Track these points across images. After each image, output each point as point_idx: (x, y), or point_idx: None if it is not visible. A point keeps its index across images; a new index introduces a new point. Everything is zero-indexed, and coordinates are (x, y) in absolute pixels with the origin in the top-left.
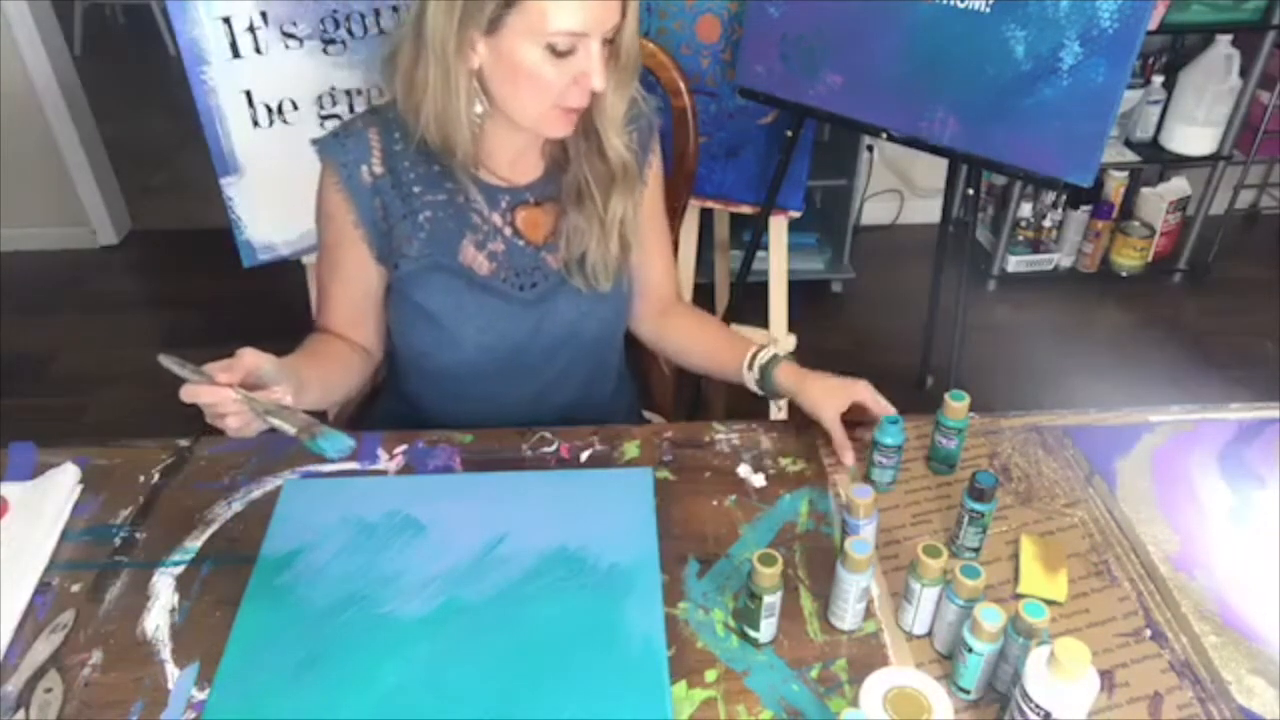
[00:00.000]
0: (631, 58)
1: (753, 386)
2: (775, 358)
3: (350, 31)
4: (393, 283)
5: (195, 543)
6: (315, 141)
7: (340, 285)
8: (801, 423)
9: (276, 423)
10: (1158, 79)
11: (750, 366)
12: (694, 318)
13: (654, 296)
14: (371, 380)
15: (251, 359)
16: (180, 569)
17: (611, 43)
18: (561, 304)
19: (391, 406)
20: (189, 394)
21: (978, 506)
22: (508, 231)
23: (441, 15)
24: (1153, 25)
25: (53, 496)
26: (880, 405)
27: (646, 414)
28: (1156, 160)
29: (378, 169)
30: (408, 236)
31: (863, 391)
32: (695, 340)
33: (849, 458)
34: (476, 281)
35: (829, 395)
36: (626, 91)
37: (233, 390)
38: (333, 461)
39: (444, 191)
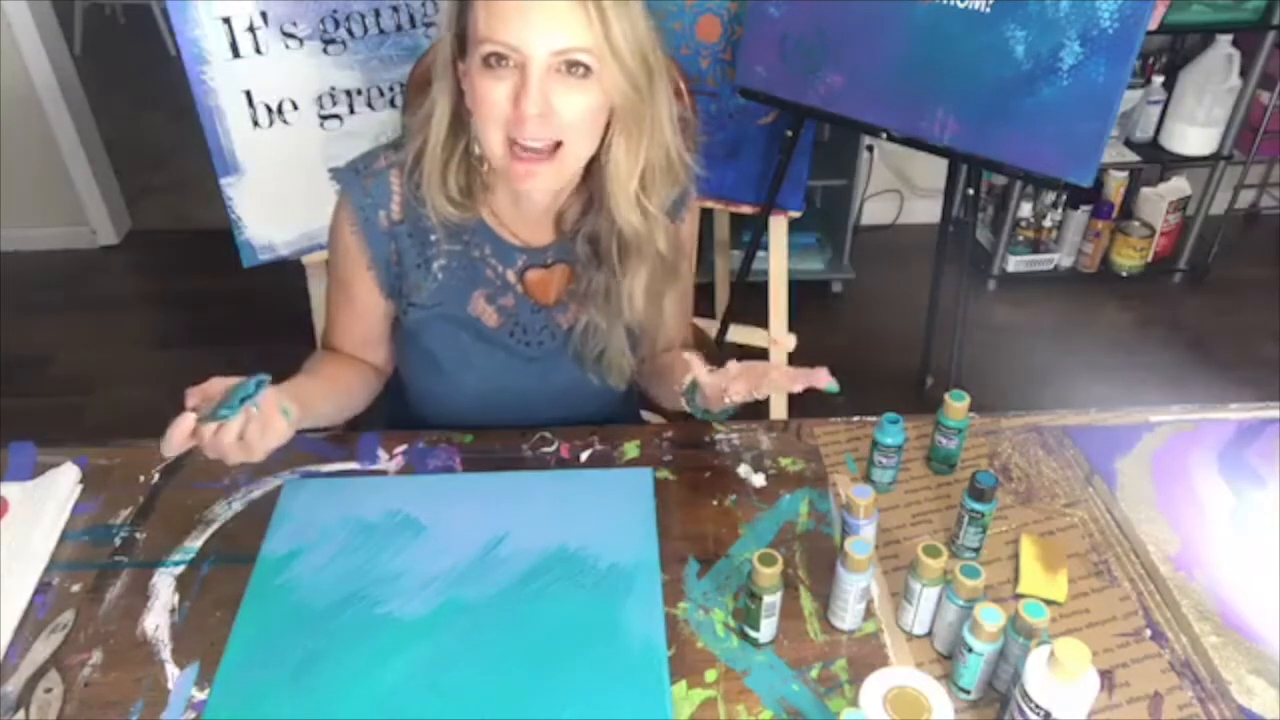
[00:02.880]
0: (633, 109)
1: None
2: (693, 386)
3: (350, 31)
4: (401, 324)
5: (195, 543)
6: (333, 171)
7: (350, 314)
8: (802, 423)
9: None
10: (1158, 79)
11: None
12: (672, 356)
13: (659, 343)
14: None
15: (216, 384)
16: (180, 569)
17: (579, 70)
18: (566, 363)
19: (394, 411)
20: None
21: (978, 506)
22: (519, 289)
23: (443, 32)
24: (1153, 25)
25: (53, 496)
26: (795, 379)
27: (646, 414)
28: (1156, 160)
29: (396, 215)
30: (420, 284)
31: (773, 375)
32: (664, 377)
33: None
34: (484, 334)
35: (718, 390)
36: (637, 152)
37: (194, 413)
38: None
39: (460, 242)
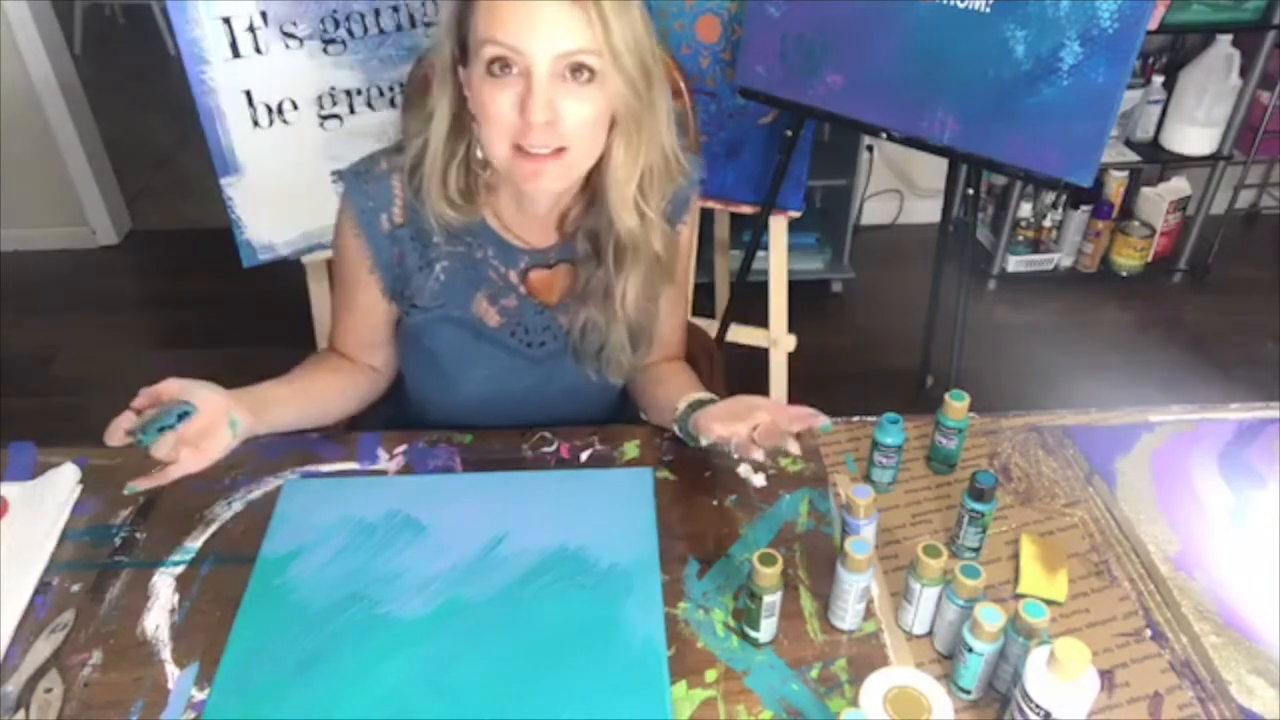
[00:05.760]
0: (633, 113)
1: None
2: (690, 407)
3: (350, 31)
4: (403, 325)
5: (195, 543)
6: (337, 174)
7: (353, 316)
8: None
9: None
10: (1158, 79)
11: (675, 421)
12: (667, 368)
13: (655, 351)
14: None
15: (170, 385)
16: (180, 569)
17: (583, 75)
18: (568, 364)
19: (394, 413)
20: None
21: (978, 506)
22: (522, 290)
23: (442, 37)
24: (1153, 25)
25: (53, 496)
26: (787, 415)
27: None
28: (1156, 160)
29: (398, 218)
30: (422, 287)
31: (760, 414)
32: (655, 389)
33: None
34: (485, 334)
35: (716, 419)
36: (636, 156)
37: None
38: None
39: (463, 244)
